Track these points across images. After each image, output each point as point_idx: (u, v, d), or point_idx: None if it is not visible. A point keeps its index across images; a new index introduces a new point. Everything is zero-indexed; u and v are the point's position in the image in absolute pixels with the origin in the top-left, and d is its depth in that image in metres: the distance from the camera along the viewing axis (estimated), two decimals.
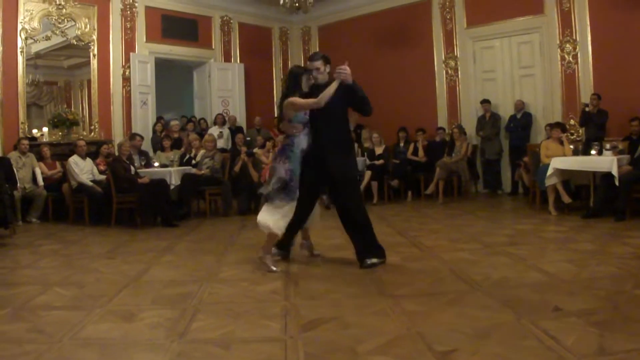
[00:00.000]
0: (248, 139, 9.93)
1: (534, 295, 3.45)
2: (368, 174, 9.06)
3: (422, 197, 9.35)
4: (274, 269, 4.35)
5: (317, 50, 12.47)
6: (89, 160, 8.06)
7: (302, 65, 4.56)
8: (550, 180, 6.97)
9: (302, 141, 4.27)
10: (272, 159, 4.47)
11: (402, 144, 10.13)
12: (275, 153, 4.42)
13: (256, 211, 7.26)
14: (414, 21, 10.90)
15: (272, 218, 4.28)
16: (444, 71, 10.57)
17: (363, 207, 4.40)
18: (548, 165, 7.05)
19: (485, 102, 9.80)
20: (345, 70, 4.13)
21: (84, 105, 10.09)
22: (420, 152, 9.78)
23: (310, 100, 4.20)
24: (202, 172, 8.14)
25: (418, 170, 9.61)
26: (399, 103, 10.98)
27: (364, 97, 4.25)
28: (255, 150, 8.89)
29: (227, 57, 11.75)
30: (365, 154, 9.57)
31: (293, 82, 4.34)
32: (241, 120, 11.57)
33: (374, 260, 4.32)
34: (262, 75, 12.31)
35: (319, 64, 4.36)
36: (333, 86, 4.14)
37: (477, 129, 9.92)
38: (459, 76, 10.43)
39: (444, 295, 3.53)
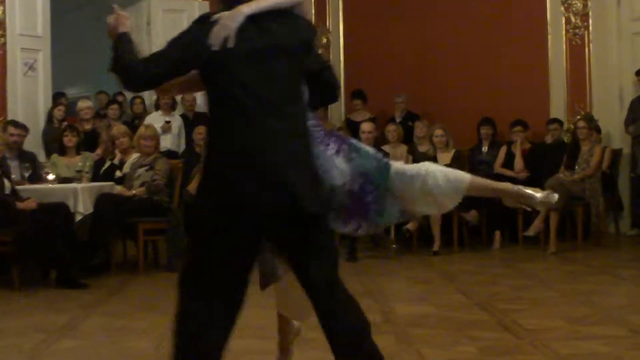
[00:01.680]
0: None
1: None
2: None
3: (520, 241, 9.35)
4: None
5: None
6: None
7: None
8: None
9: None
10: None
11: (485, 148, 10.14)
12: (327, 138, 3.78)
13: None
14: None
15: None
16: (563, 20, 10.61)
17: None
18: None
19: None
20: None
21: None
22: (518, 163, 9.75)
23: None
24: (134, 192, 8.19)
25: None
26: (481, 80, 11.03)
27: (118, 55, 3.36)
28: None
29: None
30: None
31: None
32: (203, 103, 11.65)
33: None
34: None
35: None
36: None
37: (627, 120, 9.90)
38: (590, 30, 10.46)
39: None
